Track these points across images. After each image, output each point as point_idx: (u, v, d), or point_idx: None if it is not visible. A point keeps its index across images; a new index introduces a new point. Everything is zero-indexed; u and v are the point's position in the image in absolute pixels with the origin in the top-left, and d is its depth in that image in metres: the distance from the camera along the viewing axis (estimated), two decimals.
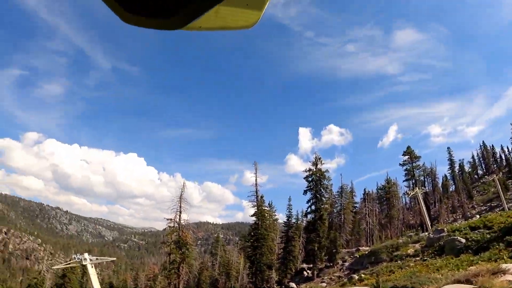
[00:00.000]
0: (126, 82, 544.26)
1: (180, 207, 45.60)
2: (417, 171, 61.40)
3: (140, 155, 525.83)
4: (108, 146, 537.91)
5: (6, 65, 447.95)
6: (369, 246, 46.85)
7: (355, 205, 66.55)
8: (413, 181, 60.57)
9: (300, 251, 53.93)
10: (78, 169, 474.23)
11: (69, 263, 33.70)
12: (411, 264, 28.52)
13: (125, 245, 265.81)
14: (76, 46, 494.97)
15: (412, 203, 69.05)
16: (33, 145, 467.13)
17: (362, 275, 30.69)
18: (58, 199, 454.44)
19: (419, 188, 50.50)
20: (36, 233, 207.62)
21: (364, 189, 68.73)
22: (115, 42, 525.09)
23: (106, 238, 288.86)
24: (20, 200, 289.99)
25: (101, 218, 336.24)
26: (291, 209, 54.12)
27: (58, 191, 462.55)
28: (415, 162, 60.85)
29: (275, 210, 58.53)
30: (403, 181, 63.86)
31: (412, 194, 51.72)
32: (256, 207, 48.66)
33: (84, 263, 29.38)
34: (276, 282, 49.13)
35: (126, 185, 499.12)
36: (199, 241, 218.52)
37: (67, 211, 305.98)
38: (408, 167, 61.15)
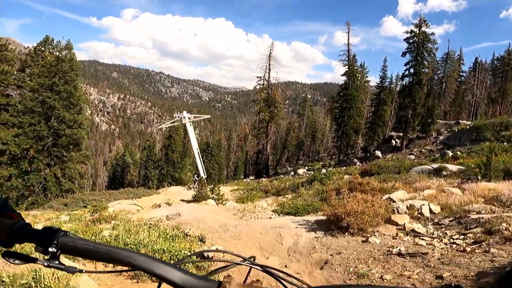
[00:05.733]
0: None
1: (269, 65, 44.98)
2: None
3: (228, 19, 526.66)
4: (197, 13, 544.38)
5: None
6: (471, 121, 41.90)
7: (461, 74, 58.00)
8: None
9: (391, 117, 51.16)
10: (173, 37, 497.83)
11: (172, 122, 36.50)
12: None
13: (219, 105, 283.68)
14: None
15: None
16: (132, 20, 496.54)
17: (458, 152, 27.71)
18: (160, 64, 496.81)
19: None
20: (146, 97, 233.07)
21: (476, 58, 57.74)
22: None
23: (203, 99, 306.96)
24: (130, 68, 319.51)
25: (198, 80, 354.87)
26: (385, 70, 48.59)
27: (159, 57, 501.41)
28: None
29: (368, 71, 53.69)
30: None
31: None
32: (347, 66, 45.43)
33: (183, 121, 31.27)
34: (361, 148, 48.72)
35: (216, 47, 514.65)
36: (287, 101, 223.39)
37: (169, 75, 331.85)
38: None
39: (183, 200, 16.76)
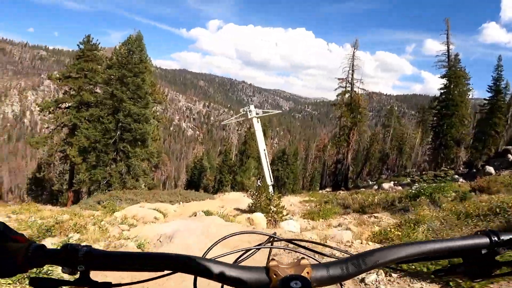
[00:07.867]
0: None
1: (352, 65, 40.45)
2: None
3: (308, 29, 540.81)
4: (277, 24, 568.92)
5: None
6: None
7: None
8: None
9: (507, 126, 42.02)
10: (255, 46, 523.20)
11: (238, 117, 34.12)
12: None
13: (299, 115, 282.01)
14: None
15: None
16: (216, 31, 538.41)
17: None
18: (243, 73, 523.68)
19: None
20: (229, 105, 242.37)
21: None
22: None
23: (283, 108, 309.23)
24: (215, 77, 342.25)
25: (278, 89, 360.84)
26: (500, 71, 39.72)
27: (242, 66, 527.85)
28: None
29: (470, 78, 45.21)
30: None
31: None
32: (446, 68, 39.45)
33: (250, 116, 28.44)
34: (464, 163, 40.37)
35: (297, 57, 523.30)
36: (371, 113, 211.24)
37: (251, 84, 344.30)
38: None
39: (237, 209, 13.21)
